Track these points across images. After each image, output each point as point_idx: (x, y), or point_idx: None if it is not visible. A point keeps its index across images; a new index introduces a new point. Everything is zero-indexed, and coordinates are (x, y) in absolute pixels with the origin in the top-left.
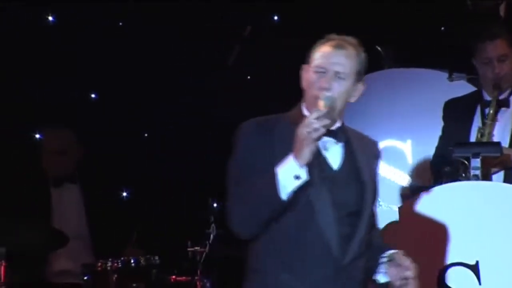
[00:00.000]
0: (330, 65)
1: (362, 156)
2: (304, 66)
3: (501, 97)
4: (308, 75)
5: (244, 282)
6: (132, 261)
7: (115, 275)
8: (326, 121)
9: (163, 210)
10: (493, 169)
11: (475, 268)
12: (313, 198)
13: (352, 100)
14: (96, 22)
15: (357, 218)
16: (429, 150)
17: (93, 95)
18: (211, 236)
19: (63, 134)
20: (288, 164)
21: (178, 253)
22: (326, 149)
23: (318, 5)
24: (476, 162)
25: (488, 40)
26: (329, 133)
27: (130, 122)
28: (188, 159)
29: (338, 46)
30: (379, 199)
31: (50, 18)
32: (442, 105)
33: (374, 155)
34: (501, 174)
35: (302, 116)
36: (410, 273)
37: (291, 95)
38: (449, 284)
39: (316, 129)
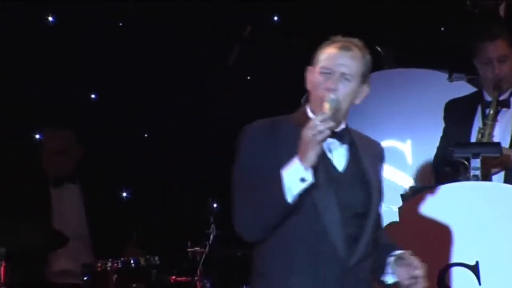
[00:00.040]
0: (336, 66)
1: (367, 157)
2: (309, 68)
3: (502, 97)
4: (313, 76)
5: (250, 285)
6: (132, 261)
7: (115, 276)
8: (331, 124)
9: (163, 211)
10: (494, 170)
11: (475, 269)
12: (319, 200)
13: (357, 101)
14: (96, 22)
15: (363, 219)
16: (429, 151)
17: (93, 95)
18: (211, 236)
19: (63, 134)
20: (293, 166)
21: (178, 253)
22: (331, 150)
23: (318, 5)
24: (476, 163)
25: (489, 40)
26: (334, 134)
27: (130, 122)
28: (188, 159)
29: (344, 48)
30: None
31: (50, 18)
32: (442, 105)
33: (379, 157)
34: (501, 174)
35: (306, 118)
36: (419, 272)
37: (291, 95)
38: (449, 284)
39: (321, 132)
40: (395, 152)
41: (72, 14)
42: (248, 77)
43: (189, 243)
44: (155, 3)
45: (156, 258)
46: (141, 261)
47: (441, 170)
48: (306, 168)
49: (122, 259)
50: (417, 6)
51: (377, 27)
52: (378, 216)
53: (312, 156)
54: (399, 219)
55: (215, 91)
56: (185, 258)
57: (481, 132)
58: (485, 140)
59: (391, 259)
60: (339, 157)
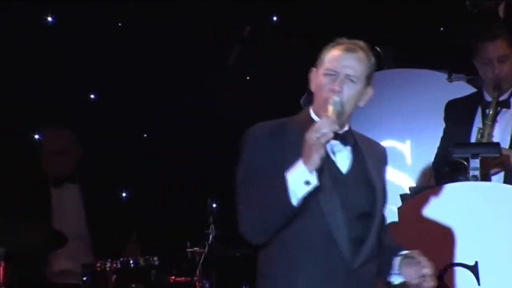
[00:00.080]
0: (341, 68)
1: (370, 159)
2: (313, 70)
3: (502, 98)
4: (318, 78)
5: (254, 287)
6: (131, 261)
7: (114, 276)
8: (336, 126)
9: (162, 211)
10: (494, 170)
11: (474, 269)
12: (323, 202)
13: (361, 104)
14: (96, 22)
15: (368, 221)
16: (428, 151)
17: (93, 95)
18: (210, 236)
19: (63, 134)
20: (297, 169)
21: (177, 253)
22: (334, 152)
23: (318, 5)
24: (475, 163)
25: (489, 40)
26: (337, 136)
27: (130, 122)
28: (187, 159)
29: (349, 50)
30: None
31: (50, 18)
32: (441, 105)
33: (382, 159)
34: (501, 175)
35: (310, 120)
36: (428, 270)
37: (291, 95)
38: (448, 284)
39: (325, 135)
40: (394, 152)
41: (72, 14)
42: (248, 77)
43: (188, 243)
44: (155, 3)
45: (155, 258)
46: (140, 261)
47: (441, 171)
48: (310, 171)
49: (121, 259)
50: (417, 6)
51: (377, 27)
52: (383, 218)
53: (316, 159)
54: (399, 219)
55: (215, 91)
56: (185, 258)
57: (481, 132)
58: (484, 140)
59: (397, 259)
60: (342, 159)
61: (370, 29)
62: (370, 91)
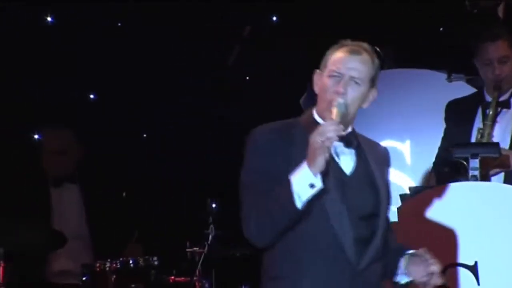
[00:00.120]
0: (345, 70)
1: (373, 160)
2: (317, 71)
3: (502, 98)
4: (322, 80)
5: None
6: (131, 261)
7: (114, 276)
8: (340, 130)
9: (162, 211)
10: (494, 171)
11: (474, 269)
12: (328, 204)
13: (365, 106)
14: (96, 22)
15: (372, 222)
16: (428, 151)
17: (93, 95)
18: (210, 236)
19: (63, 134)
20: (302, 172)
21: (177, 253)
22: (338, 154)
23: (318, 5)
24: (474, 163)
25: (489, 41)
26: (341, 138)
27: (130, 122)
28: (187, 159)
29: (353, 52)
30: None
31: (50, 18)
32: (441, 105)
33: (385, 161)
34: (501, 175)
35: (313, 122)
36: (436, 267)
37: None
38: (448, 284)
39: (330, 138)
40: (394, 152)
41: (72, 14)
42: (247, 77)
43: (188, 243)
44: (155, 3)
45: (155, 258)
46: (140, 262)
47: (441, 171)
48: (315, 174)
49: (121, 259)
50: (417, 6)
51: (377, 27)
52: (387, 219)
53: (321, 162)
54: (398, 219)
55: (215, 91)
56: (184, 258)
57: (481, 132)
58: (484, 140)
59: (403, 259)
60: (346, 160)
61: (370, 29)
62: (374, 93)
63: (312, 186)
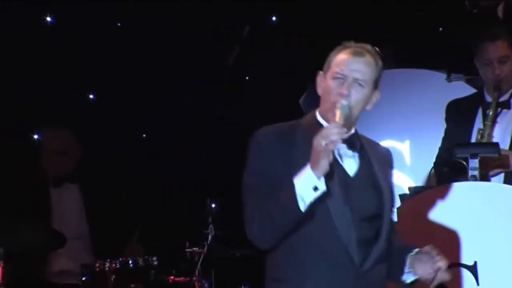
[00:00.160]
0: (349, 72)
1: (376, 162)
2: (320, 73)
3: (502, 98)
4: (326, 82)
5: None
6: (130, 261)
7: (113, 276)
8: (344, 133)
9: (162, 211)
10: (494, 171)
11: (473, 269)
12: (331, 207)
13: (368, 107)
14: (96, 22)
15: (376, 223)
16: (427, 151)
17: (93, 95)
18: (209, 237)
19: (63, 134)
20: (305, 175)
21: (177, 253)
22: (341, 156)
23: (318, 5)
24: (474, 163)
25: (489, 41)
26: (344, 140)
27: (129, 122)
28: (187, 159)
29: (357, 54)
30: None
31: (50, 18)
32: (441, 106)
33: (388, 163)
34: (501, 175)
35: (316, 123)
36: (442, 263)
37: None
38: (448, 284)
39: (333, 141)
40: (393, 152)
41: (72, 14)
42: (247, 77)
43: (187, 243)
44: (155, 3)
45: (155, 258)
46: (140, 262)
47: (441, 171)
48: (318, 177)
49: (120, 259)
50: (417, 6)
51: (377, 27)
52: (391, 220)
53: (324, 164)
54: (398, 220)
55: (215, 91)
56: (184, 259)
57: (481, 133)
58: (484, 141)
59: (408, 258)
60: (350, 162)
61: (370, 29)
62: (377, 95)
63: (315, 189)
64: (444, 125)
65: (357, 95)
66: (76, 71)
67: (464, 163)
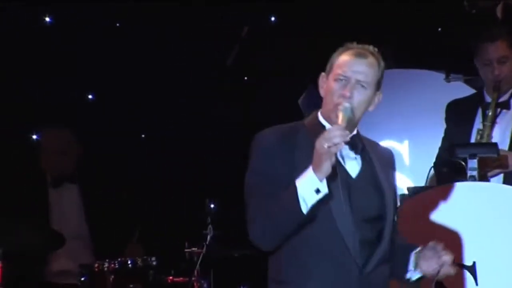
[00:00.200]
0: (351, 73)
1: (378, 163)
2: (322, 74)
3: (502, 99)
4: (328, 83)
5: None
6: (129, 262)
7: (112, 276)
8: (347, 135)
9: (161, 211)
10: (493, 172)
11: (472, 269)
12: (333, 208)
13: (371, 109)
14: (95, 22)
15: (379, 224)
16: (426, 151)
17: (93, 95)
18: (208, 237)
19: (62, 134)
20: (307, 177)
21: (176, 254)
22: (343, 157)
23: (317, 5)
24: (473, 163)
25: (489, 41)
26: (346, 141)
27: (129, 122)
28: (186, 160)
29: (359, 55)
30: None
31: (49, 18)
32: (440, 106)
33: (390, 164)
34: (500, 176)
35: (318, 124)
36: (448, 257)
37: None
38: (446, 284)
39: (336, 144)
40: None
41: (72, 14)
42: (246, 77)
43: (186, 244)
44: (154, 3)
45: (153, 258)
46: (138, 262)
47: (441, 171)
48: (321, 180)
49: (119, 259)
50: (416, 6)
51: (376, 27)
52: (394, 221)
53: (327, 167)
54: (397, 220)
55: (214, 91)
56: (183, 259)
57: (480, 133)
58: (484, 141)
59: (412, 255)
60: (352, 163)
61: (369, 29)
62: (379, 96)
63: (317, 191)
64: (444, 125)
65: (359, 97)
66: (76, 71)
67: (463, 163)
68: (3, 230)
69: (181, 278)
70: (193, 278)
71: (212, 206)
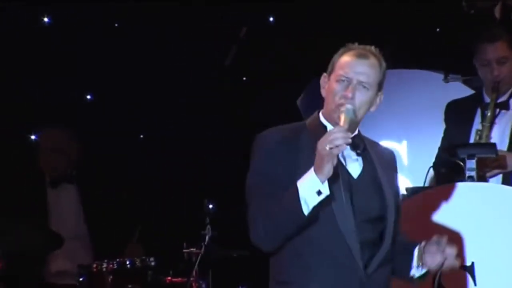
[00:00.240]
0: (353, 74)
1: (379, 163)
2: (324, 75)
3: (501, 99)
4: (330, 84)
5: None
6: (127, 262)
7: (111, 276)
8: (349, 137)
9: (159, 211)
10: (492, 172)
11: (470, 269)
12: (335, 209)
13: (373, 109)
14: (95, 22)
15: (380, 225)
16: (425, 151)
17: (92, 96)
18: (207, 237)
19: (60, 134)
20: (309, 179)
21: (174, 254)
22: (345, 158)
23: (316, 5)
24: (471, 164)
25: (488, 42)
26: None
27: (128, 122)
28: (184, 160)
29: (361, 56)
30: None
31: (48, 18)
32: (438, 106)
33: (392, 165)
34: (499, 176)
35: (320, 125)
36: (451, 250)
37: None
38: (445, 285)
39: (338, 146)
40: None
41: (71, 14)
42: (244, 78)
43: (185, 244)
44: (154, 3)
45: (152, 259)
46: (137, 262)
47: (440, 171)
48: (322, 181)
49: (117, 260)
50: (415, 7)
51: (375, 27)
52: (396, 222)
53: (328, 169)
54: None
55: (214, 91)
56: (181, 259)
57: (479, 133)
58: (482, 141)
59: (415, 252)
60: (353, 164)
61: (368, 29)
62: (381, 97)
63: (319, 193)
64: (442, 126)
65: (361, 98)
66: (75, 71)
67: (462, 163)
68: (1, 230)
69: (179, 279)
70: (191, 279)
71: (210, 206)
